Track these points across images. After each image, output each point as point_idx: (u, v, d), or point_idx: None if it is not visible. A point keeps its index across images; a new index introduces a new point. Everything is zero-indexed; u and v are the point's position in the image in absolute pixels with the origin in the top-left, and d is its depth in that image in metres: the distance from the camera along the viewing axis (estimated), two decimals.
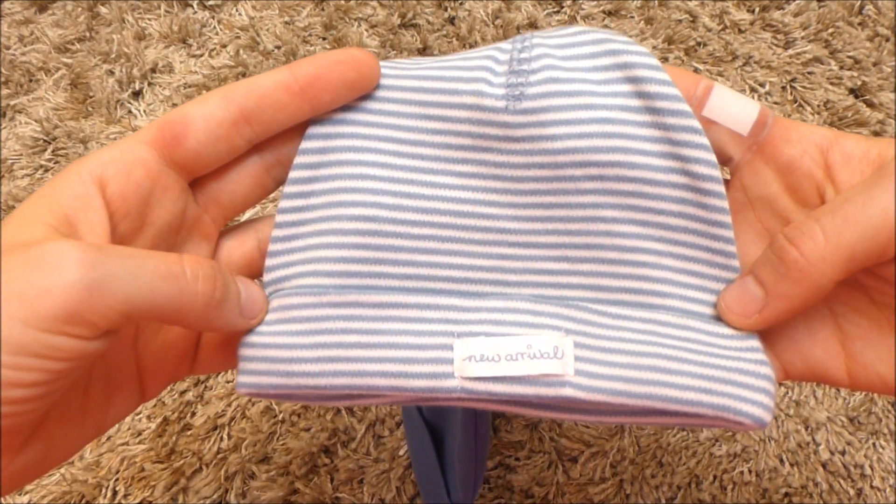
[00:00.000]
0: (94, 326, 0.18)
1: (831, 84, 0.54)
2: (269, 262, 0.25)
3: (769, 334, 0.23)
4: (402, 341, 0.23)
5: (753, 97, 0.53)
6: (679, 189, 0.23)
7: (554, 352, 0.22)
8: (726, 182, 0.24)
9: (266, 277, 0.25)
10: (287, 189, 0.24)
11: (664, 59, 0.55)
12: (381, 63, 0.24)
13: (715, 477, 0.40)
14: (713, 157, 0.23)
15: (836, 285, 0.21)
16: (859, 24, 0.56)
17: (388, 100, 0.24)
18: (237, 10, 0.57)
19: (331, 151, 0.24)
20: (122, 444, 0.42)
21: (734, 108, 0.23)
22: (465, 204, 0.24)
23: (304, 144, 0.24)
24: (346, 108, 0.24)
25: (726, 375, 0.22)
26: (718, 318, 0.23)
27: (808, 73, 0.54)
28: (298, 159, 0.24)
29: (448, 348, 0.22)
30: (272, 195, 0.32)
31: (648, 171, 0.23)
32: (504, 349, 0.22)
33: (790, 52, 0.55)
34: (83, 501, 0.40)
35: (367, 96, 0.24)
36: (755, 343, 0.23)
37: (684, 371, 0.22)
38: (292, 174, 0.24)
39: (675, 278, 0.24)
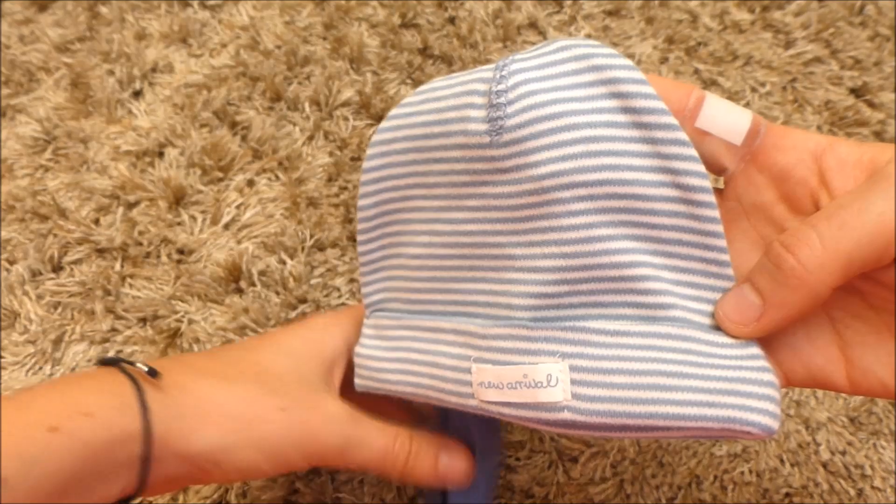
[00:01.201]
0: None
1: (832, 84, 0.53)
2: (363, 290, 0.31)
3: (769, 342, 0.23)
4: (441, 362, 0.27)
5: (754, 97, 0.53)
6: (671, 202, 0.23)
7: (547, 380, 0.23)
8: (720, 191, 0.24)
9: (365, 301, 0.31)
10: (359, 237, 0.31)
11: (664, 59, 0.55)
12: (395, 112, 0.28)
13: (715, 477, 0.40)
14: (703, 169, 0.23)
15: (834, 291, 0.21)
16: (860, 24, 0.56)
17: (408, 150, 0.28)
18: (237, 10, 0.57)
19: (381, 205, 0.29)
20: None
21: (727, 118, 0.23)
22: (476, 235, 0.26)
23: (360, 202, 0.30)
24: (381, 165, 0.29)
25: (729, 386, 0.22)
26: (716, 328, 0.23)
27: (809, 73, 0.54)
28: (359, 214, 0.30)
29: (468, 371, 0.26)
30: None
31: (639, 186, 0.23)
32: (505, 378, 0.24)
33: (791, 52, 0.55)
34: None
35: (393, 151, 0.28)
36: (756, 350, 0.23)
37: (686, 386, 0.22)
38: (359, 226, 0.31)
39: (674, 290, 0.24)
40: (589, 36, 0.56)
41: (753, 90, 0.53)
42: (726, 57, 0.55)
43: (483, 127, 0.24)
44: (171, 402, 0.25)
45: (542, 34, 0.56)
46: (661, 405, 0.22)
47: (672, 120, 0.22)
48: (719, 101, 0.23)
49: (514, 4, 0.58)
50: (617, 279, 0.23)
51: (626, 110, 0.23)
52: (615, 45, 0.56)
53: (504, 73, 0.24)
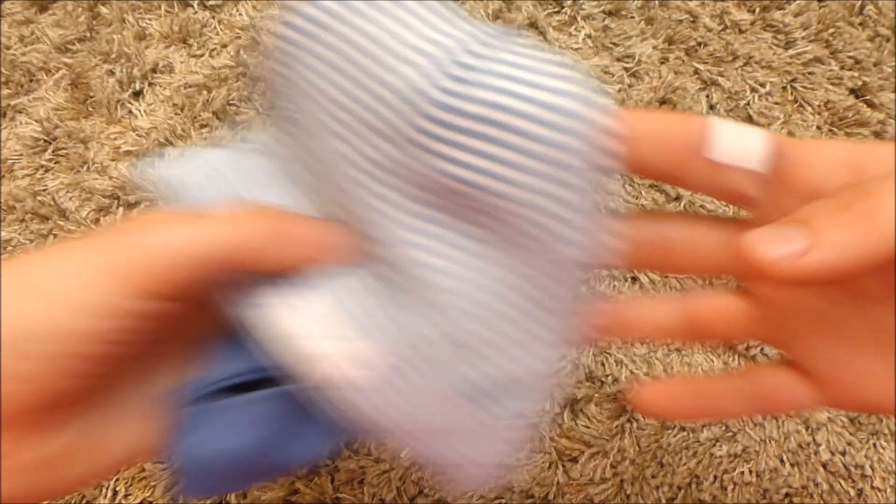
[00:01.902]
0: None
1: (832, 84, 0.53)
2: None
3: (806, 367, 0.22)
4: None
5: (754, 97, 0.53)
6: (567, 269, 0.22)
7: (354, 364, 0.22)
8: (751, 223, 0.21)
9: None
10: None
11: (665, 60, 0.55)
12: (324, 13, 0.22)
13: (715, 477, 0.40)
14: (612, 259, 0.22)
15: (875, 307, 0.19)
16: (860, 24, 0.56)
17: (325, 66, 0.22)
18: (238, 10, 0.57)
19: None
20: None
21: (739, 142, 0.20)
22: (337, 167, 0.22)
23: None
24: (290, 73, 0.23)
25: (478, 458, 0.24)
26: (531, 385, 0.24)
27: (809, 73, 0.54)
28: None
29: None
30: None
31: (551, 242, 0.21)
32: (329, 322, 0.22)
33: (791, 52, 0.55)
34: (83, 501, 0.40)
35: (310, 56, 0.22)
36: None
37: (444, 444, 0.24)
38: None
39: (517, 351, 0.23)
40: (588, 36, 0.56)
41: (753, 90, 0.53)
42: (726, 57, 0.55)
43: (425, 90, 0.20)
44: None
45: (542, 34, 0.56)
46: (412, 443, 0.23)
47: (608, 207, 0.21)
48: (727, 126, 0.21)
49: (514, 4, 0.58)
50: (480, 313, 0.23)
51: (570, 173, 0.20)
52: (615, 45, 0.56)
53: (484, 53, 0.20)
